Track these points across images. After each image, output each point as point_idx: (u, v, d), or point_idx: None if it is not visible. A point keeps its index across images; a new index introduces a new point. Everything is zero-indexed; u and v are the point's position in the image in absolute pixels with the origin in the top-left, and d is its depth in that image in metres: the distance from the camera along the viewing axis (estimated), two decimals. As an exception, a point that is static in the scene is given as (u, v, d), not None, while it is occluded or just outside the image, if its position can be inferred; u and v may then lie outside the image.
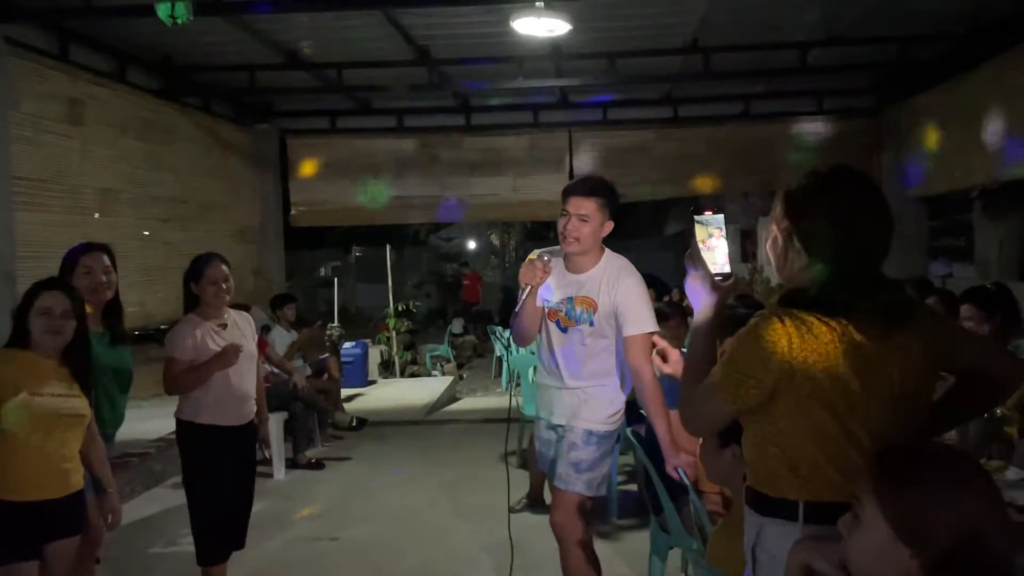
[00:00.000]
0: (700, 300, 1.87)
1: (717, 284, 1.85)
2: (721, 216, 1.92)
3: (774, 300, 1.79)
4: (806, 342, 1.64)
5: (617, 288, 3.07)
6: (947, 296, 4.85)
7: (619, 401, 3.21)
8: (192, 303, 3.59)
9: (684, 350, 4.83)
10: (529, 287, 3.01)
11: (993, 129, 6.43)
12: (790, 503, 1.70)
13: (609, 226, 3.09)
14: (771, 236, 1.81)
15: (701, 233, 1.91)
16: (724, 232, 1.91)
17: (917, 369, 1.70)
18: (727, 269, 1.87)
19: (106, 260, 3.30)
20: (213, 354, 3.45)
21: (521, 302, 3.04)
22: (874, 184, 1.77)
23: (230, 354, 3.44)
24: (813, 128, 8.70)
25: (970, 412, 2.12)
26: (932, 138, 7.53)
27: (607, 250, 3.18)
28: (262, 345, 5.24)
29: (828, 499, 1.65)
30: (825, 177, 1.77)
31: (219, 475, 3.52)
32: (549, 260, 3.04)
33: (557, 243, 3.20)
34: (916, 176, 7.94)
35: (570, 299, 3.12)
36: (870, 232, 1.71)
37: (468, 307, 17.73)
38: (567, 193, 3.10)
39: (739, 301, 4.45)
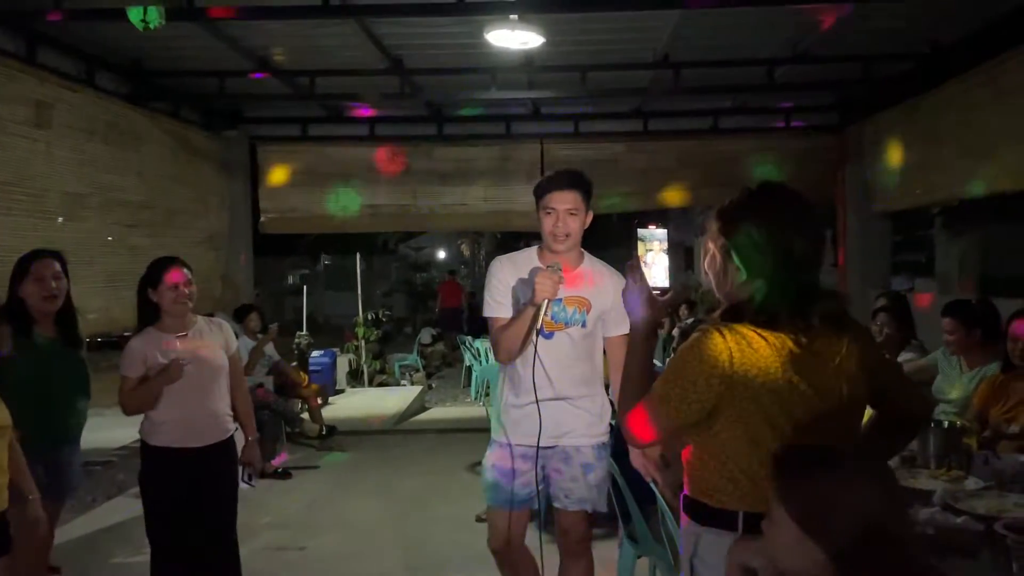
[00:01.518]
0: (637, 312, 1.89)
1: (654, 297, 1.88)
2: (664, 231, 1.95)
3: (715, 315, 1.83)
4: (746, 356, 1.68)
5: (608, 287, 2.97)
6: (905, 305, 4.94)
7: (609, 410, 3.09)
8: (151, 313, 3.36)
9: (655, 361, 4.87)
10: (548, 301, 2.77)
11: (953, 147, 6.59)
12: (729, 513, 1.73)
13: (590, 217, 2.98)
14: (708, 254, 1.85)
15: (641, 248, 1.95)
16: (665, 247, 1.94)
17: (853, 380, 1.75)
18: (666, 283, 1.90)
19: (56, 267, 3.24)
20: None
21: (540, 320, 2.81)
22: (803, 199, 1.82)
23: (172, 370, 3.20)
24: (780, 143, 8.83)
25: (883, 455, 2.03)
26: (895, 155, 7.69)
27: (581, 248, 3.06)
28: None
29: (767, 509, 1.69)
30: (755, 193, 1.83)
31: (173, 503, 3.29)
32: (559, 269, 2.82)
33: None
34: (879, 192, 8.10)
35: (558, 300, 2.91)
36: (802, 245, 1.75)
37: (445, 313, 17.79)
38: (547, 190, 2.93)
39: (708, 315, 4.51)
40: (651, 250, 2.19)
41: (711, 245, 1.84)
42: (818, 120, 8.88)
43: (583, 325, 2.97)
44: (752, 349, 1.68)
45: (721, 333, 1.71)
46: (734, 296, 1.79)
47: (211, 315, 3.82)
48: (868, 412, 1.93)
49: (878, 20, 5.80)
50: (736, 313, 1.76)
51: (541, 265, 2.95)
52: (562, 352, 2.97)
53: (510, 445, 3.05)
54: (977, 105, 6.20)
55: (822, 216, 1.82)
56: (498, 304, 3.02)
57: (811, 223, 1.79)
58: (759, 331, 1.70)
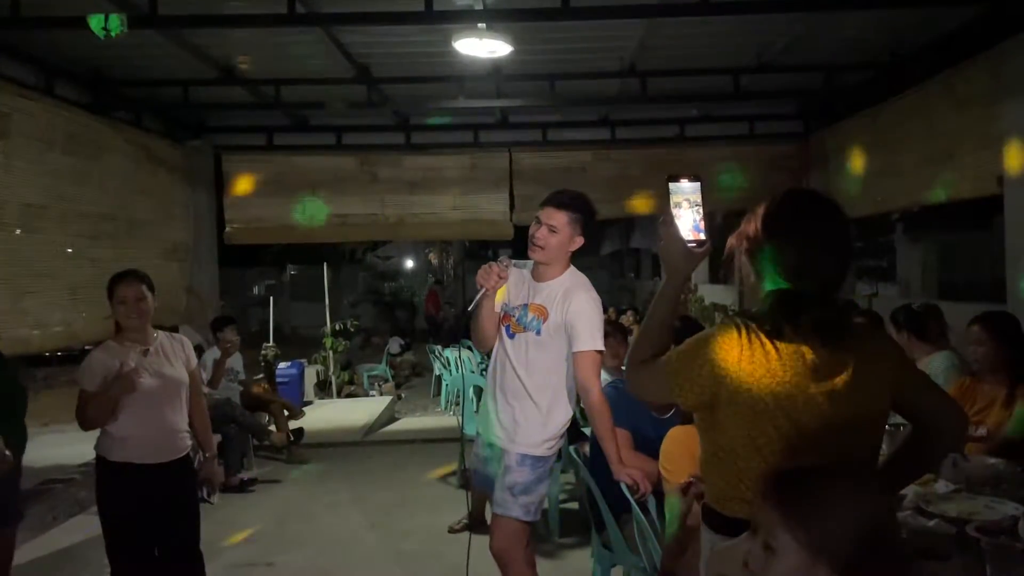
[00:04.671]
0: (670, 264, 1.86)
1: (689, 250, 1.82)
2: (697, 184, 1.85)
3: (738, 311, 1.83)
4: (756, 356, 1.68)
5: (570, 302, 3.09)
6: (873, 316, 5.04)
7: (554, 428, 3.15)
8: (118, 326, 3.33)
9: (624, 368, 4.89)
10: (484, 290, 3.05)
11: (913, 154, 6.72)
12: (742, 523, 1.66)
13: (579, 241, 3.16)
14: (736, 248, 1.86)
15: (673, 199, 1.87)
16: (695, 201, 1.84)
17: (873, 393, 1.73)
18: (702, 236, 1.82)
19: None
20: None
21: (475, 304, 3.06)
22: (836, 211, 1.80)
23: (125, 381, 3.14)
24: (744, 152, 8.94)
25: (918, 468, 2.01)
26: (856, 163, 7.82)
27: (572, 267, 3.22)
28: None
29: (760, 528, 1.67)
30: (787, 201, 1.81)
31: (132, 520, 3.20)
32: (508, 266, 3.10)
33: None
34: (842, 198, 8.22)
35: (525, 306, 3.15)
36: (826, 261, 1.73)
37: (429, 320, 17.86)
38: (544, 201, 3.17)
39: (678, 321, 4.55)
40: (679, 204, 2.10)
41: (735, 242, 1.86)
42: (782, 128, 9.00)
43: (537, 333, 3.11)
44: (763, 351, 1.68)
45: (739, 329, 1.71)
46: (749, 298, 1.82)
47: (175, 329, 3.77)
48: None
49: (840, 30, 5.90)
50: (750, 314, 1.76)
51: (528, 273, 3.22)
52: (518, 356, 3.14)
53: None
54: (936, 113, 6.32)
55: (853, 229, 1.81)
56: None
57: (839, 238, 1.77)
58: (771, 336, 1.70)
